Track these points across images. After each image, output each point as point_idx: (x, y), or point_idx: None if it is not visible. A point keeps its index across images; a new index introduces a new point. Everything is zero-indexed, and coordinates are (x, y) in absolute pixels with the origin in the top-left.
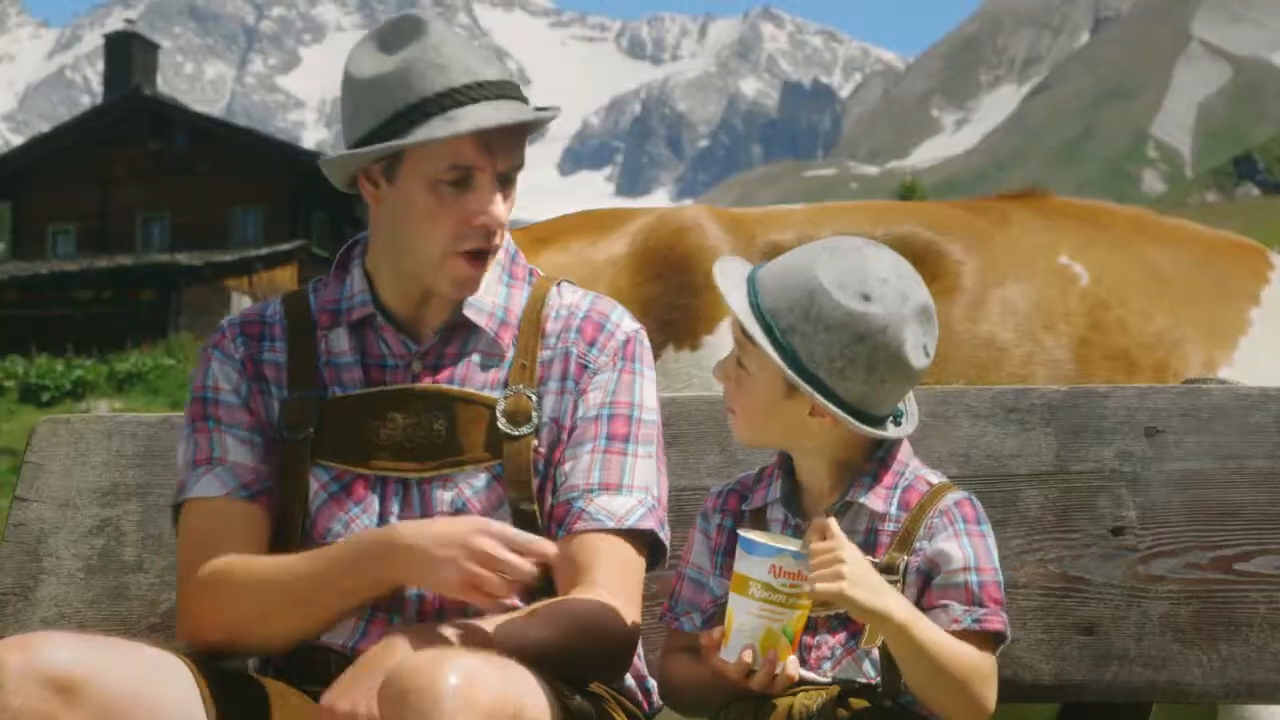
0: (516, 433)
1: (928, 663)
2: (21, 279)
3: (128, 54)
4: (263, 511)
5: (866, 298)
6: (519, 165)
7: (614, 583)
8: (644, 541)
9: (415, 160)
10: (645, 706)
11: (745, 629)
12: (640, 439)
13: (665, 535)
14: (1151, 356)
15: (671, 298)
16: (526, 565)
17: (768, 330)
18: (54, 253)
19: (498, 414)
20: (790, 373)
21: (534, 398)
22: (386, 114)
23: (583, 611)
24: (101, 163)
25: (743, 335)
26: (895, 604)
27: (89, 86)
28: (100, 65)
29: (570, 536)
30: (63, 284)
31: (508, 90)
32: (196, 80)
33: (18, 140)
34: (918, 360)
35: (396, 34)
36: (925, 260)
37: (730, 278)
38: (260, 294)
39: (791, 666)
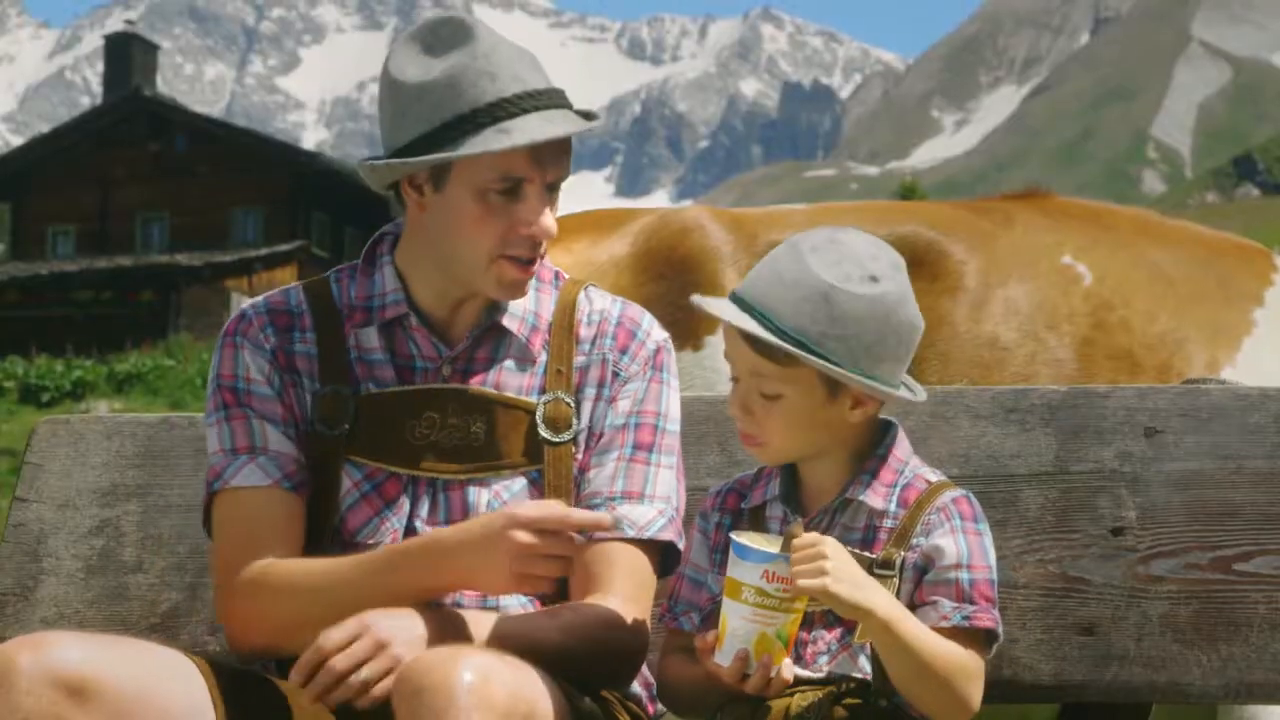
0: (557, 439)
1: (911, 660)
2: (21, 280)
3: (127, 55)
4: (302, 505)
5: (875, 279)
6: (566, 174)
7: (628, 592)
8: (658, 551)
9: (465, 170)
10: (650, 711)
11: (739, 633)
12: (664, 449)
13: (681, 545)
14: (1155, 357)
15: (674, 298)
16: (565, 546)
17: (803, 347)
18: (54, 253)
19: (538, 420)
20: (850, 374)
21: (572, 404)
22: (435, 123)
23: (595, 619)
24: (101, 163)
25: (765, 362)
26: (879, 600)
27: (89, 87)
28: (100, 66)
29: (590, 543)
30: (62, 285)
31: (556, 99)
32: (196, 81)
33: (18, 141)
34: (921, 319)
35: (441, 38)
36: (927, 260)
37: (730, 312)
38: (260, 295)
39: (786, 670)
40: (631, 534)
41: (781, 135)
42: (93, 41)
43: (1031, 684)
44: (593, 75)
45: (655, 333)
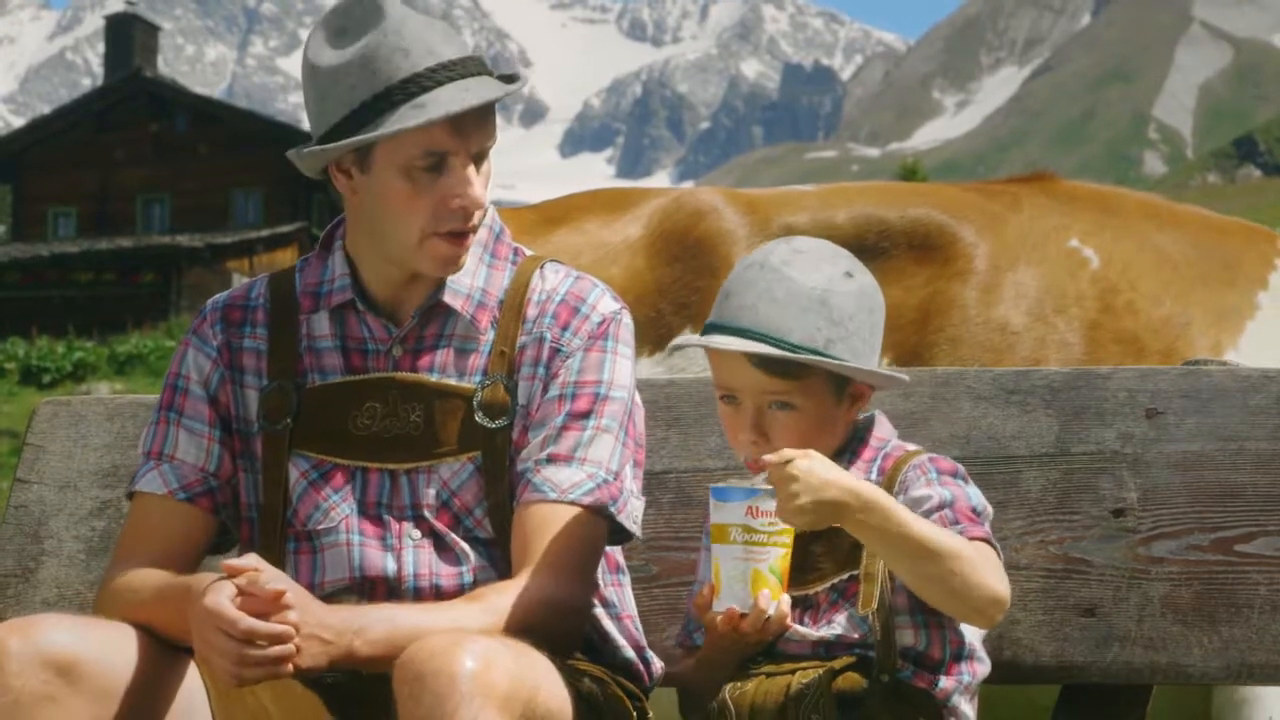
0: (494, 425)
1: (906, 544)
2: (22, 261)
3: (129, 36)
4: (200, 513)
5: (850, 275)
6: (492, 142)
7: (558, 559)
8: (600, 514)
9: (388, 149)
10: (645, 679)
11: (734, 575)
12: (604, 414)
13: (623, 512)
14: (1160, 341)
15: (689, 280)
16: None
17: (818, 354)
18: (54, 234)
19: (475, 406)
20: (867, 368)
21: (510, 387)
22: (354, 104)
23: (525, 601)
24: (102, 145)
25: (777, 381)
26: (860, 488)
27: (90, 68)
28: (101, 47)
29: (520, 507)
30: (63, 266)
31: (471, 68)
32: (197, 62)
33: (18, 122)
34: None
35: (354, 19)
36: (940, 244)
37: (738, 342)
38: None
39: (785, 604)
40: (553, 496)
41: (782, 116)
42: (93, 22)
43: (1033, 665)
44: (594, 57)
45: (603, 305)
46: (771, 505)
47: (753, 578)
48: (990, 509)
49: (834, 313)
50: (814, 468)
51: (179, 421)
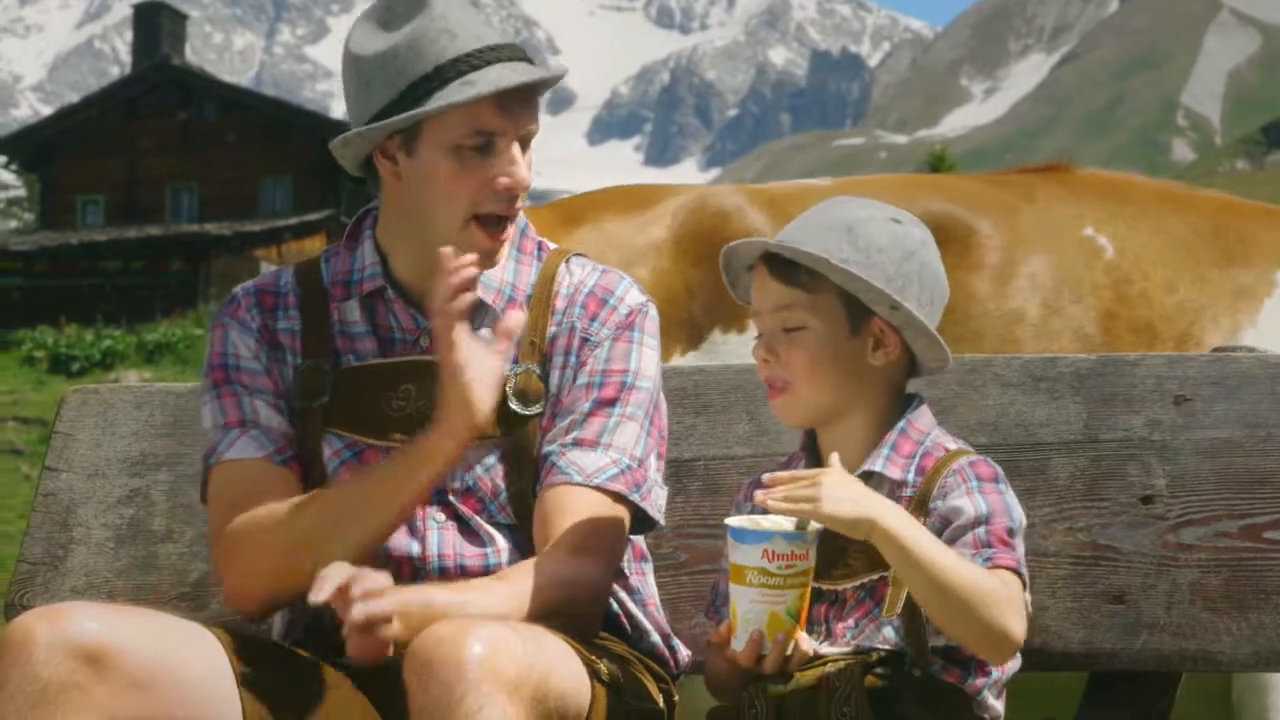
0: (526, 412)
1: (927, 576)
2: (51, 249)
3: (156, 24)
4: (295, 477)
5: (898, 221)
6: (536, 127)
7: (581, 541)
8: (624, 500)
9: (435, 129)
10: (672, 665)
11: (750, 617)
12: (630, 403)
13: (647, 499)
14: (1173, 328)
15: (718, 281)
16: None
17: (827, 265)
18: (83, 223)
19: (508, 392)
20: (873, 283)
21: (542, 376)
22: (401, 86)
23: (547, 582)
24: (130, 133)
25: (789, 290)
26: (881, 510)
27: (117, 56)
28: (129, 35)
29: (544, 490)
30: (92, 254)
31: (516, 53)
32: (225, 50)
33: (47, 110)
34: (947, 289)
35: (397, 12)
36: (955, 236)
37: (752, 244)
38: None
39: (804, 643)
40: (579, 480)
41: (810, 103)
42: (121, 10)
43: (1061, 652)
44: (621, 44)
45: (630, 297)
46: (787, 548)
47: (769, 620)
48: (1024, 520)
49: (859, 240)
50: (838, 481)
51: (249, 392)
